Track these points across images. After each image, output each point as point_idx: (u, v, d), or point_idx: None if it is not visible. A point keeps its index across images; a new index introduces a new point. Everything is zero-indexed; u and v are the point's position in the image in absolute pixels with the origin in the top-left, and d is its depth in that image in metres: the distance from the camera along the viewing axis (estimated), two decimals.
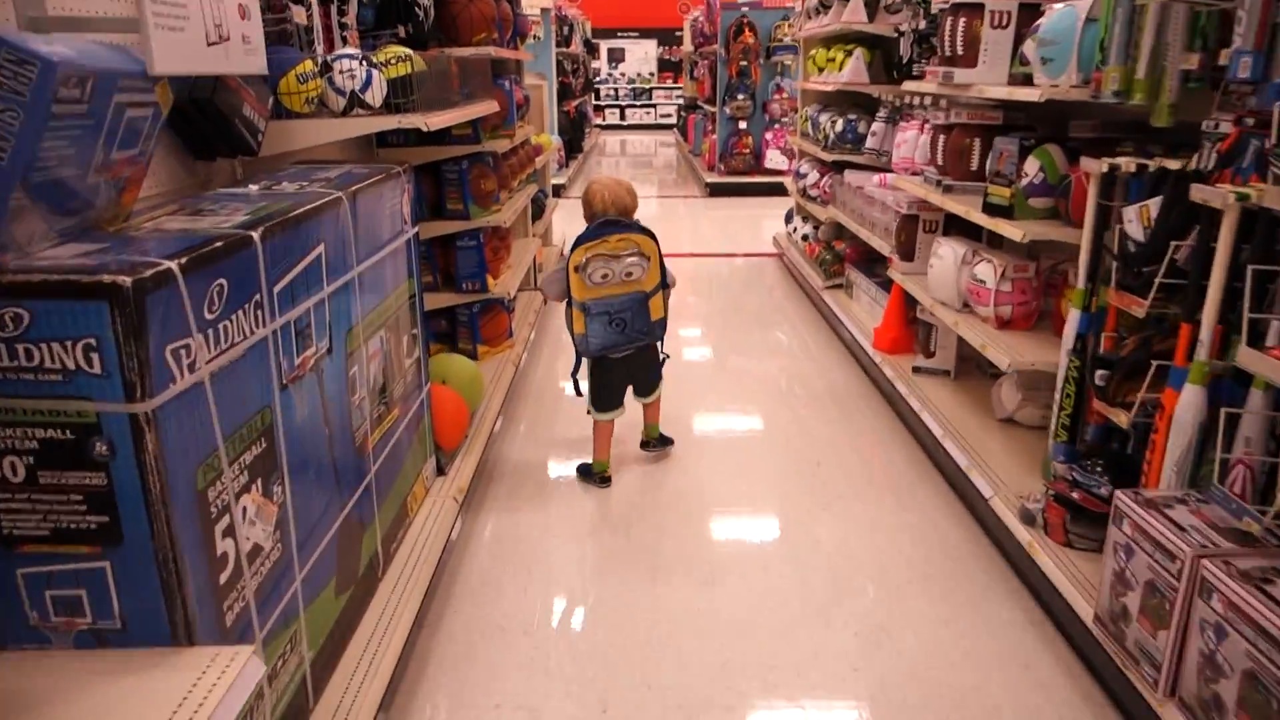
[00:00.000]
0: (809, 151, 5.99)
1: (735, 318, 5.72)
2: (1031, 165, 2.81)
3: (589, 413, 3.31)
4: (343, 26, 2.73)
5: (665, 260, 3.15)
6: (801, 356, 4.94)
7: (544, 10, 10.51)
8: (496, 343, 4.19)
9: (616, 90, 20.84)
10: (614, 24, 20.28)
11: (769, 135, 10.84)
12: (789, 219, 6.96)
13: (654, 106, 20.86)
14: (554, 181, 10.86)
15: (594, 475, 3.34)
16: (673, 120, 19.71)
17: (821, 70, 5.58)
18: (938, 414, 3.49)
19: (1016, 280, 2.99)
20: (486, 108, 3.59)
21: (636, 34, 20.67)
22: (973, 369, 3.88)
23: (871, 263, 5.30)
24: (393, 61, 2.70)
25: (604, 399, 3.28)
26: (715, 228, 9.39)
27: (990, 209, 2.95)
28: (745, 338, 5.32)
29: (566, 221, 9.49)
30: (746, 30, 10.47)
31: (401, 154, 3.68)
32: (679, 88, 19.68)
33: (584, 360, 3.22)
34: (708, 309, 5.94)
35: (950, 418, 3.45)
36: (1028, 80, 2.86)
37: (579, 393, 3.28)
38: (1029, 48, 2.80)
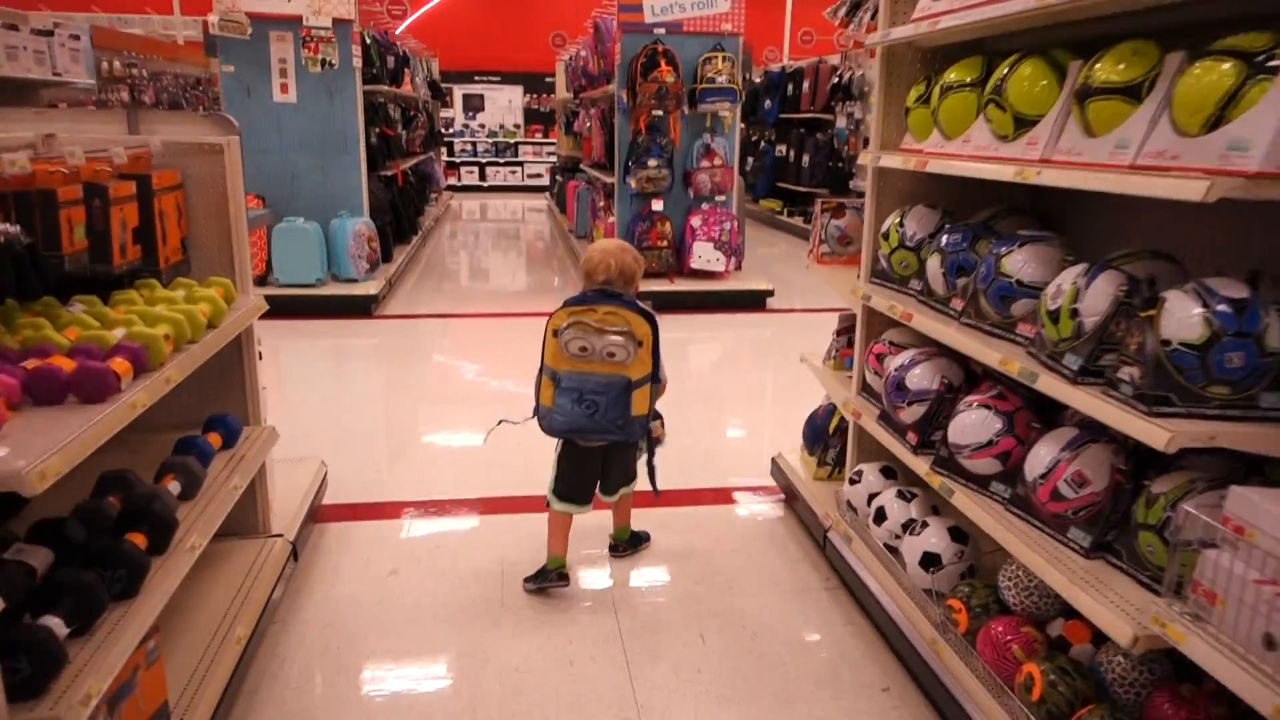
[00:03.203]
0: (941, 338, 2.26)
1: None
2: None
3: (546, 502, 2.78)
4: None
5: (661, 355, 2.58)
6: None
7: (339, 22, 6.57)
8: None
9: (475, 145, 17.00)
10: (469, 65, 16.51)
11: (695, 221, 7.21)
12: (816, 442, 3.19)
13: (520, 165, 17.12)
14: (364, 292, 6.82)
15: (548, 574, 2.75)
16: (544, 182, 16.02)
17: (1021, 125, 1.88)
18: None
19: None
20: None
21: (498, 79, 16.94)
22: None
23: None
24: None
25: (566, 487, 2.74)
26: None
27: None
28: None
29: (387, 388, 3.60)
30: (662, 64, 6.83)
31: None
32: (551, 143, 16.05)
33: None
34: None
35: None
36: None
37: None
38: None
